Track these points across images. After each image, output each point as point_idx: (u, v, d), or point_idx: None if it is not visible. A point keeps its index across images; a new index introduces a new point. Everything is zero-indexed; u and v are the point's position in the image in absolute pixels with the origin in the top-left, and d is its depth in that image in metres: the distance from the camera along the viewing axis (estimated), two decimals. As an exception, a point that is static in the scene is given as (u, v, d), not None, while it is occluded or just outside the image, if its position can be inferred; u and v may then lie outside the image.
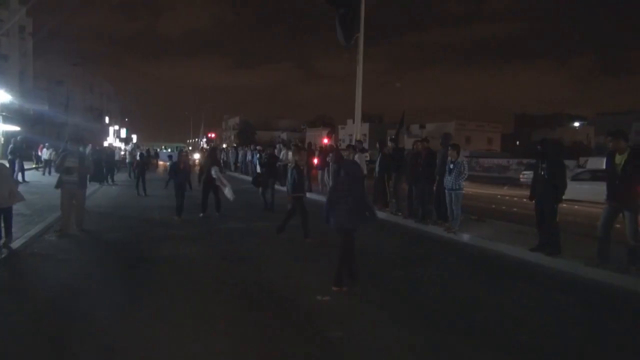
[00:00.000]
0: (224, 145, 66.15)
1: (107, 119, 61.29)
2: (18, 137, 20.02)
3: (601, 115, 69.64)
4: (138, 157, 20.67)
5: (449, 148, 9.80)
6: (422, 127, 76.35)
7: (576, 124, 73.30)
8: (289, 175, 9.27)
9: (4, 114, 27.81)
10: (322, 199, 15.87)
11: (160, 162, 38.92)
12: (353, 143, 16.00)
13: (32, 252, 7.63)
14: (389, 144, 13.14)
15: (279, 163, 20.91)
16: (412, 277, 6.72)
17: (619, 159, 6.42)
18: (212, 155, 12.77)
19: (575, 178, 17.90)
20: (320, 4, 15.44)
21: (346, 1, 15.06)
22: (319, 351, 4.16)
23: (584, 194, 16.03)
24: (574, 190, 14.61)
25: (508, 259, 7.88)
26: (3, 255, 7.03)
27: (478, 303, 5.59)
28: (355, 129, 16.82)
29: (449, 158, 9.65)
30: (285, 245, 8.65)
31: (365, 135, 69.17)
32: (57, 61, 43.27)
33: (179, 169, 11.63)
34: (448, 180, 9.49)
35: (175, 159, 13.86)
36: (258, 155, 26.56)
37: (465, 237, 9.39)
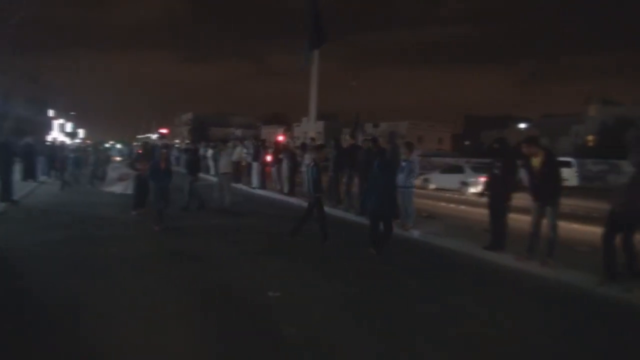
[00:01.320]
0: (177, 141, 64.67)
1: (51, 112, 58.51)
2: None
3: (545, 118, 72.91)
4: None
5: (404, 146, 10.06)
6: (376, 126, 77.40)
7: (522, 126, 76.47)
8: (308, 174, 8.83)
9: None
10: (275, 196, 15.96)
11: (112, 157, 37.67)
12: (307, 141, 16.11)
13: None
14: (347, 137, 13.33)
15: (235, 159, 20.79)
16: (363, 273, 6.86)
17: (536, 162, 6.86)
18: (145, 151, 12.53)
19: (442, 171, 22.88)
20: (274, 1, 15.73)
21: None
22: (271, 346, 4.19)
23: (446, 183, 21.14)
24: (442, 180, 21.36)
25: (456, 254, 8.17)
26: None
27: (424, 294, 5.78)
28: (310, 128, 16.91)
29: (402, 156, 9.88)
30: (238, 244, 8.60)
31: (320, 133, 69.55)
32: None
33: (161, 169, 10.04)
34: (400, 178, 9.69)
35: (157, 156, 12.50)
36: (211, 152, 26.29)
37: (416, 233, 9.65)
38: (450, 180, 20.18)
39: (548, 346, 4.43)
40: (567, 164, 23.73)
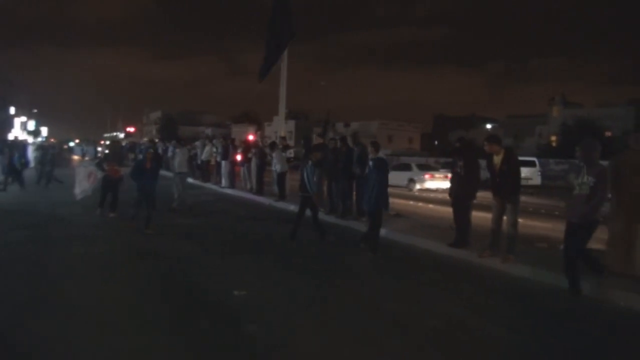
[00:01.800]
0: (144, 139, 63.42)
1: (12, 110, 56.49)
2: None
3: (510, 118, 74.73)
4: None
5: (370, 146, 10.13)
6: (347, 125, 77.89)
7: (488, 126, 78.21)
8: (306, 173, 8.74)
9: None
10: (244, 195, 15.86)
11: (75, 157, 36.98)
12: (277, 140, 16.07)
13: None
14: (315, 137, 13.32)
15: (201, 160, 20.54)
16: (330, 271, 6.91)
17: (497, 160, 7.05)
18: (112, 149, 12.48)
19: (392, 169, 24.46)
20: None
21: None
22: (232, 343, 4.18)
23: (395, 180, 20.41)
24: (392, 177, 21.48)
25: (419, 251, 8.31)
26: None
27: (389, 292, 5.87)
28: (280, 127, 16.88)
29: (370, 155, 9.96)
30: (204, 244, 8.53)
31: (291, 132, 69.51)
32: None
33: (146, 169, 9.43)
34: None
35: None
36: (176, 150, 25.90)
37: (383, 231, 9.74)
38: (400, 178, 21.31)
39: (510, 340, 4.56)
40: (531, 164, 24.41)
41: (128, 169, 11.03)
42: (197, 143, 22.22)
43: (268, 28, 16.11)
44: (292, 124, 77.11)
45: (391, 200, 8.60)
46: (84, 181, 11.19)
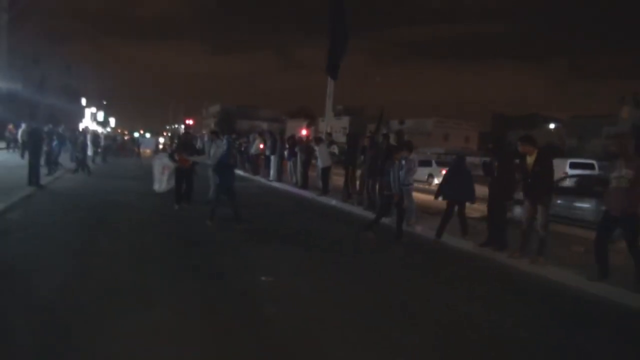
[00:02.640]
0: (204, 132, 65.77)
1: (83, 101, 60.31)
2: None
3: (574, 118, 71.20)
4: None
5: (405, 145, 10.21)
6: (402, 122, 77.06)
7: (551, 126, 74.95)
8: (395, 173, 8.89)
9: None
10: (289, 188, 16.28)
11: (147, 150, 36.20)
12: (322, 135, 16.38)
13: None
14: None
15: (254, 152, 21.19)
16: (363, 265, 7.14)
17: (530, 160, 6.95)
18: (182, 140, 12.31)
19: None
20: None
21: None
22: (254, 324, 4.52)
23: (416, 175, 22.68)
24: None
25: (452, 250, 8.36)
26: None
27: (411, 285, 6.02)
28: (326, 122, 17.19)
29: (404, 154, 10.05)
30: (244, 233, 8.97)
31: (345, 128, 69.54)
32: (33, 39, 42.41)
33: (229, 164, 9.37)
34: (400, 176, 9.86)
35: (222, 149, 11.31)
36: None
37: (419, 229, 9.85)
38: (420, 173, 22.32)
39: (528, 339, 4.62)
40: (590, 166, 23.34)
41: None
42: (250, 137, 22.96)
43: (330, 23, 15.94)
44: (346, 120, 77.20)
45: (415, 195, 8.87)
46: (160, 175, 11.57)
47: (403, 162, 9.18)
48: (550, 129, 73.94)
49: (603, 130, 60.42)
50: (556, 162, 26.42)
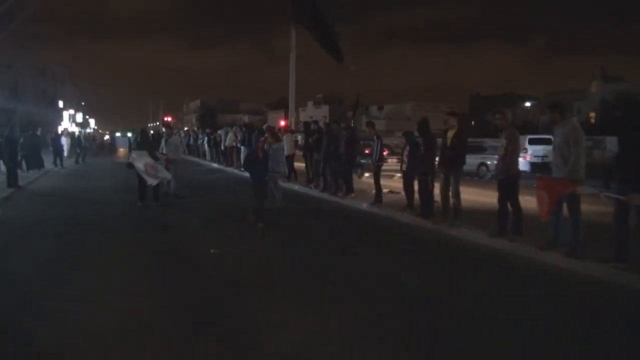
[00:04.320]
0: (185, 129, 66.14)
1: (61, 104, 60.26)
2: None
3: (548, 95, 72.51)
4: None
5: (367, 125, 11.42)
6: (381, 108, 78.12)
7: (527, 104, 76.46)
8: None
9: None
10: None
11: (121, 149, 35.99)
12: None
13: None
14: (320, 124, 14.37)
15: (227, 144, 22.03)
16: (300, 236, 8.15)
17: (450, 134, 7.97)
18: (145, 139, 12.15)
19: None
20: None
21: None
22: (194, 284, 5.50)
23: None
24: None
25: (394, 222, 9.43)
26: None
27: (345, 251, 7.04)
28: (290, 114, 18.12)
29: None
30: (198, 216, 9.91)
31: (325, 117, 70.38)
32: (3, 44, 42.43)
33: (258, 159, 8.81)
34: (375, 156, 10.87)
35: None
36: (206, 138, 27.62)
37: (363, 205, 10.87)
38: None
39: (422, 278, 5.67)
40: (547, 141, 24.51)
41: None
42: (221, 131, 23.77)
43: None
44: (326, 108, 77.92)
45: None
46: (148, 172, 10.80)
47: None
48: (527, 107, 75.51)
49: (574, 105, 62.12)
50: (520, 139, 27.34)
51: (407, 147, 9.49)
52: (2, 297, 5.03)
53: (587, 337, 4.13)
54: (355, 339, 3.99)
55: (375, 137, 11.08)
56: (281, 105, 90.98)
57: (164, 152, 12.03)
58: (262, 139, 9.94)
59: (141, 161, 10.68)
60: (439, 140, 8.63)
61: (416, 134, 9.33)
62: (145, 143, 11.55)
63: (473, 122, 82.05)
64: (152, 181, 10.71)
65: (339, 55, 15.84)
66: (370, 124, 12.14)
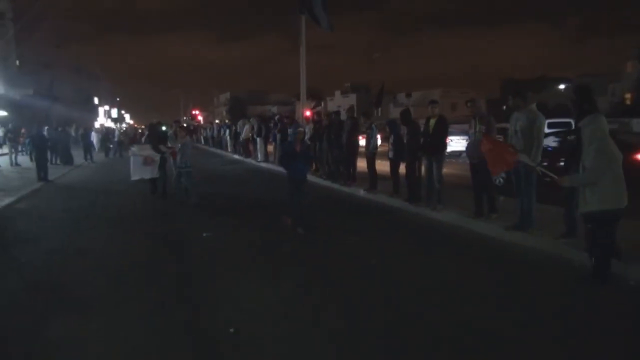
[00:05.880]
0: (216, 121, 67.67)
1: (96, 100, 62.70)
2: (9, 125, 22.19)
3: (582, 77, 70.42)
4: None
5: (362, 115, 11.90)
6: (408, 95, 77.48)
7: (561, 87, 74.38)
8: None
9: (-11, 100, 29.58)
10: (273, 167, 17.58)
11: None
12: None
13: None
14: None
15: (244, 136, 22.74)
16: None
17: (432, 123, 8.32)
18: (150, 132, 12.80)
19: None
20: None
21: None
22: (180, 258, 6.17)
23: None
24: None
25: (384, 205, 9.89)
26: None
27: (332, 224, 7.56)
28: (301, 105, 18.61)
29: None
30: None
31: (353, 106, 70.58)
32: (41, 44, 44.52)
33: (297, 153, 7.82)
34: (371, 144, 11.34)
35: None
36: (227, 130, 28.45)
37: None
38: None
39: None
40: (567, 124, 24.18)
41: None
42: (239, 122, 24.52)
43: None
44: (353, 97, 78.02)
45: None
46: (141, 166, 11.19)
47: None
48: (560, 90, 73.47)
49: (609, 88, 60.10)
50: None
51: (392, 136, 9.92)
52: (27, 267, 5.87)
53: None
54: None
55: (372, 126, 11.55)
56: (309, 95, 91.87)
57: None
58: (299, 130, 8.85)
59: (144, 152, 11.13)
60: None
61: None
62: (154, 137, 12.18)
63: (504, 107, 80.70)
64: (144, 174, 11.07)
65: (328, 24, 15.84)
66: (366, 114, 12.52)
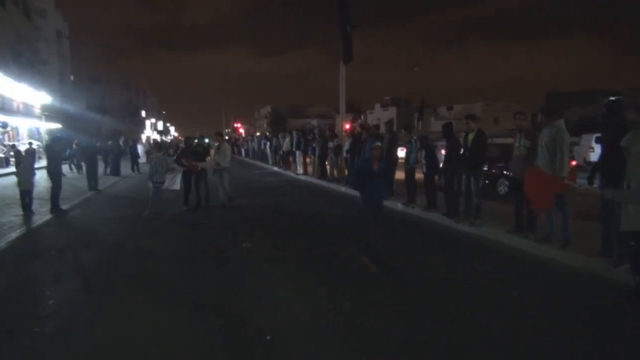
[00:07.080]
0: (257, 134, 68.95)
1: (143, 113, 65.17)
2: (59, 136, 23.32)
3: (633, 90, 67.74)
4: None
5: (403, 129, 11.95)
6: (450, 108, 76.64)
7: (612, 99, 71.63)
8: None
9: (46, 113, 31.38)
10: (313, 180, 17.77)
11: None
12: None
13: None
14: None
15: (285, 149, 23.12)
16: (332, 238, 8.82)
17: (470, 137, 8.26)
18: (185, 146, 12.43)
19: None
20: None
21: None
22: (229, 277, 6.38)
23: None
24: None
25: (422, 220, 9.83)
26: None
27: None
28: (341, 119, 18.82)
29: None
30: (244, 216, 10.84)
31: (393, 119, 70.45)
32: (92, 59, 46.76)
33: (373, 172, 6.45)
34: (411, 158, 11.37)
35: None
36: (267, 142, 28.95)
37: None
38: None
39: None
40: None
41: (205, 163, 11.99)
42: (280, 135, 24.93)
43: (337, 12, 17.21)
44: (393, 110, 77.88)
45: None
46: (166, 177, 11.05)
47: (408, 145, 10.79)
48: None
49: (662, 101, 57.39)
50: (586, 137, 26.41)
51: (423, 151, 9.88)
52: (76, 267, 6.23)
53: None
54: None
55: (412, 141, 11.53)
56: (349, 108, 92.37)
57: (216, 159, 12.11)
58: (376, 145, 6.80)
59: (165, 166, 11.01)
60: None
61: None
62: (186, 150, 11.99)
63: (533, 123, 78.07)
64: (168, 183, 10.98)
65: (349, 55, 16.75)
66: (406, 128, 12.51)
